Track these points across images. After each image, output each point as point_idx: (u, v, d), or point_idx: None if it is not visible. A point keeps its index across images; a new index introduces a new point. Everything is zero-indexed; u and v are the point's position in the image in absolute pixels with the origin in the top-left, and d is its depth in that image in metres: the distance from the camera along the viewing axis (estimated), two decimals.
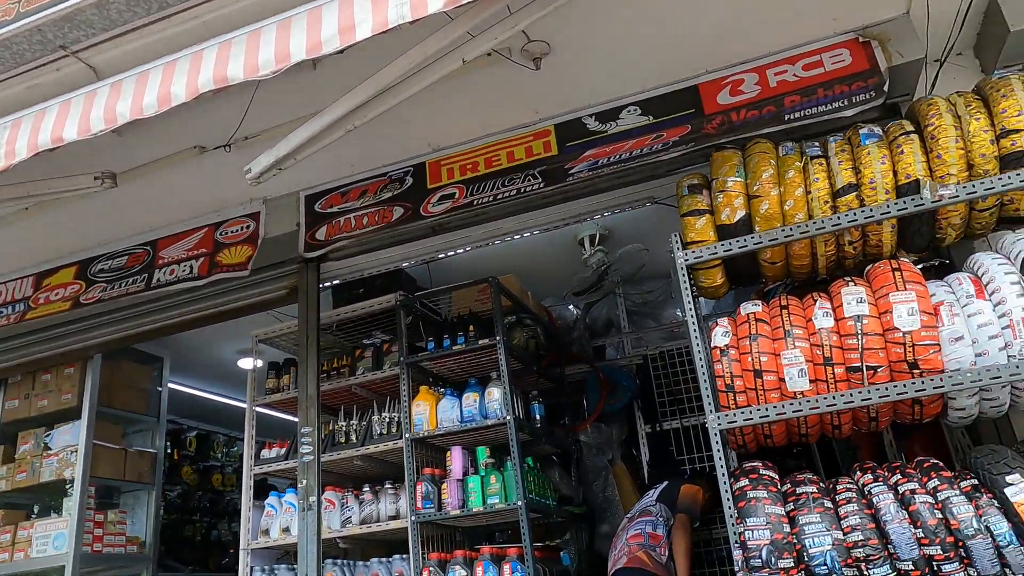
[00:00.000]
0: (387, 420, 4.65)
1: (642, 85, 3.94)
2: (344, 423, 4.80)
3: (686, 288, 3.40)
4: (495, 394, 4.34)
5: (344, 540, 4.68)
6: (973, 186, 3.04)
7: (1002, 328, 2.83)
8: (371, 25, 2.66)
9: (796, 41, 3.75)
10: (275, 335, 5.17)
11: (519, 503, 4.08)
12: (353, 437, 4.73)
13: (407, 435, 4.42)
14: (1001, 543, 2.63)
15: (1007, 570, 2.62)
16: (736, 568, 2.94)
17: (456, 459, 4.36)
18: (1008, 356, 2.81)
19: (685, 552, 3.81)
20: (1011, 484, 2.70)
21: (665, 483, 4.27)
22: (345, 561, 4.72)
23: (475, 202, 4.10)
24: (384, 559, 4.57)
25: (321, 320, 4.58)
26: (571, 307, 6.16)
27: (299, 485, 4.14)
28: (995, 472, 2.76)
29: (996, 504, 2.70)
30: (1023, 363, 2.77)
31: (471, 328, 4.53)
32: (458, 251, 4.65)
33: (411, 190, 4.28)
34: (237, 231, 4.63)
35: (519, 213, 4.38)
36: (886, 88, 3.52)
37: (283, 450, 4.94)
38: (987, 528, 2.66)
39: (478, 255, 5.23)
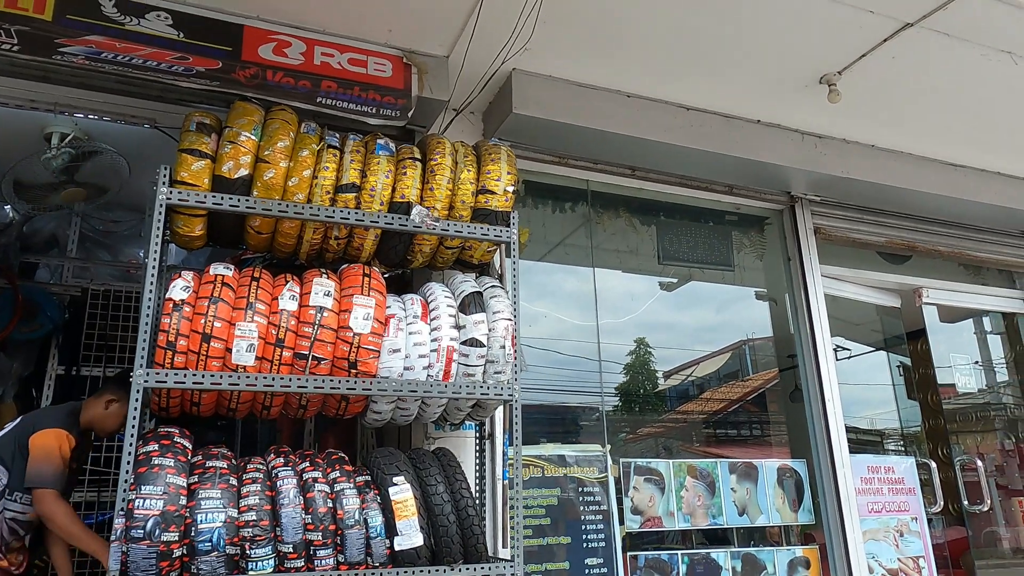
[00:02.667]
0: None
1: None
2: None
3: (158, 228, 3.04)
4: None
5: None
6: (448, 225, 3.44)
7: (431, 350, 3.22)
8: None
9: (352, 32, 3.78)
10: None
11: None
12: None
13: None
14: (372, 535, 2.93)
15: (369, 558, 2.93)
16: (112, 537, 2.66)
17: None
18: (428, 375, 3.21)
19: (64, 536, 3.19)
20: (395, 484, 3.05)
21: (18, 420, 3.43)
22: None
23: None
24: None
25: None
26: (7, 208, 5.04)
27: None
28: (386, 472, 3.09)
29: (379, 501, 3.01)
30: (436, 383, 3.20)
31: None
32: None
33: None
34: None
35: None
36: (410, 114, 3.78)
37: None
38: (365, 520, 2.94)
39: None
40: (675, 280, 5.45)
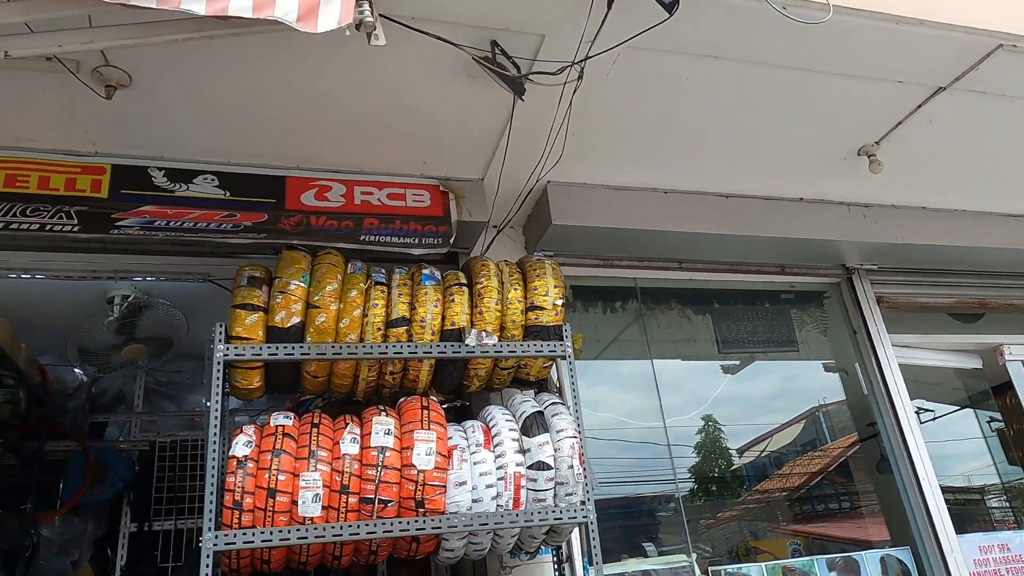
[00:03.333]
0: None
1: (228, 157, 3.65)
2: None
3: (217, 386, 3.07)
4: None
5: None
6: (501, 346, 3.41)
7: (498, 479, 3.12)
8: None
9: (388, 168, 3.90)
10: None
11: None
12: None
13: None
14: None
15: None
16: None
17: None
18: (497, 505, 3.10)
19: None
20: None
21: None
22: None
23: None
24: None
25: None
26: (77, 370, 5.20)
27: None
28: None
29: None
30: (507, 513, 3.08)
31: None
32: None
33: None
34: None
35: (40, 251, 3.62)
36: (453, 241, 3.83)
37: None
38: None
39: None
40: (737, 362, 5.29)
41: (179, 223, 3.47)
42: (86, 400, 5.03)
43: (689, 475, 4.93)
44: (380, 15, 2.60)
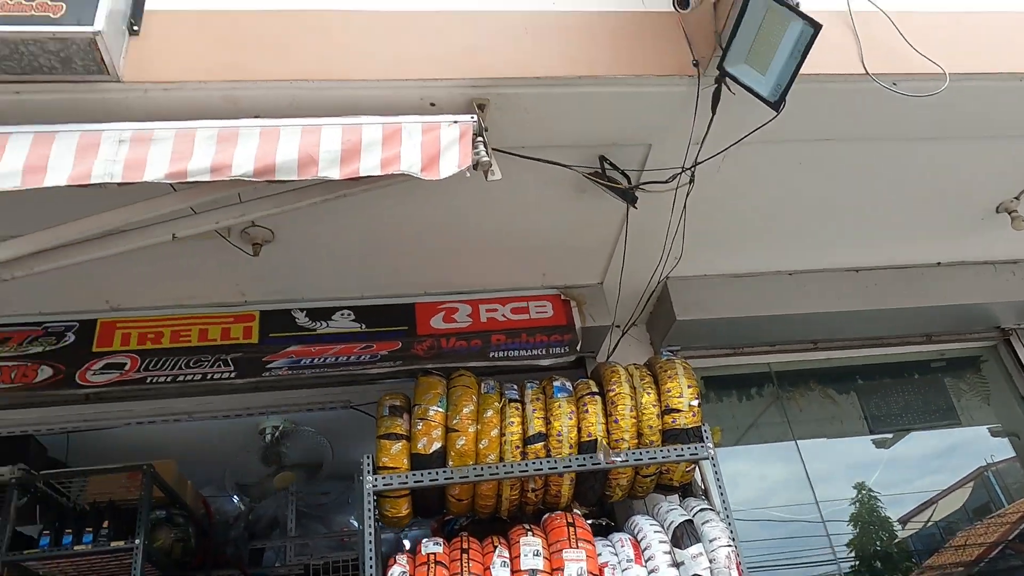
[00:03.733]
0: None
1: (360, 292, 3.88)
2: None
3: (370, 517, 3.17)
4: None
5: None
6: (640, 454, 3.35)
7: None
8: (68, 174, 2.28)
9: (509, 283, 4.02)
10: None
11: None
12: None
13: None
14: None
15: None
16: None
17: None
18: None
19: None
20: None
21: None
22: None
23: (149, 379, 3.55)
24: None
25: None
26: (235, 499, 5.50)
27: None
28: None
29: None
30: None
31: (105, 523, 3.75)
32: (114, 428, 3.97)
33: (69, 350, 3.59)
34: None
35: (200, 395, 3.92)
36: (579, 347, 3.86)
37: None
38: None
39: (136, 430, 4.53)
40: (890, 436, 4.93)
41: (322, 359, 3.69)
42: (245, 528, 5.28)
43: (847, 549, 4.55)
44: (492, 148, 2.75)
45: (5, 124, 2.43)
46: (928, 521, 4.93)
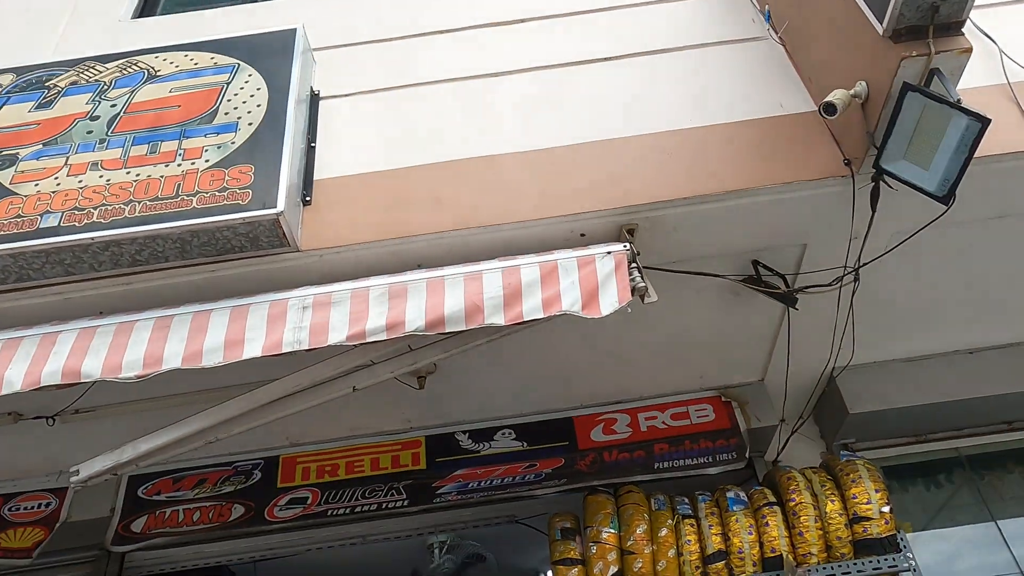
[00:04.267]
0: None
1: (520, 409, 3.94)
2: None
3: None
4: None
5: None
6: (833, 568, 3.14)
7: None
8: (261, 345, 2.50)
9: (666, 389, 3.95)
10: None
11: None
12: None
13: None
14: None
15: None
16: None
17: None
18: None
19: None
20: None
21: None
22: None
23: (329, 512, 3.74)
24: None
25: None
26: None
27: None
28: None
29: None
30: None
31: None
32: (295, 555, 4.16)
33: (257, 487, 3.85)
34: (32, 508, 3.89)
35: (372, 520, 4.05)
36: (747, 453, 3.71)
37: None
38: None
39: (314, 555, 4.73)
40: None
41: (488, 482, 3.75)
42: None
43: None
44: (644, 267, 2.76)
45: (203, 300, 2.72)
46: None
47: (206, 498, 3.83)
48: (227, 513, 3.77)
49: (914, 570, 3.13)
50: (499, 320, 2.50)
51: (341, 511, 3.73)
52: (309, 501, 3.77)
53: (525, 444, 3.86)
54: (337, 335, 2.49)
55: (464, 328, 2.51)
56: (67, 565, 3.98)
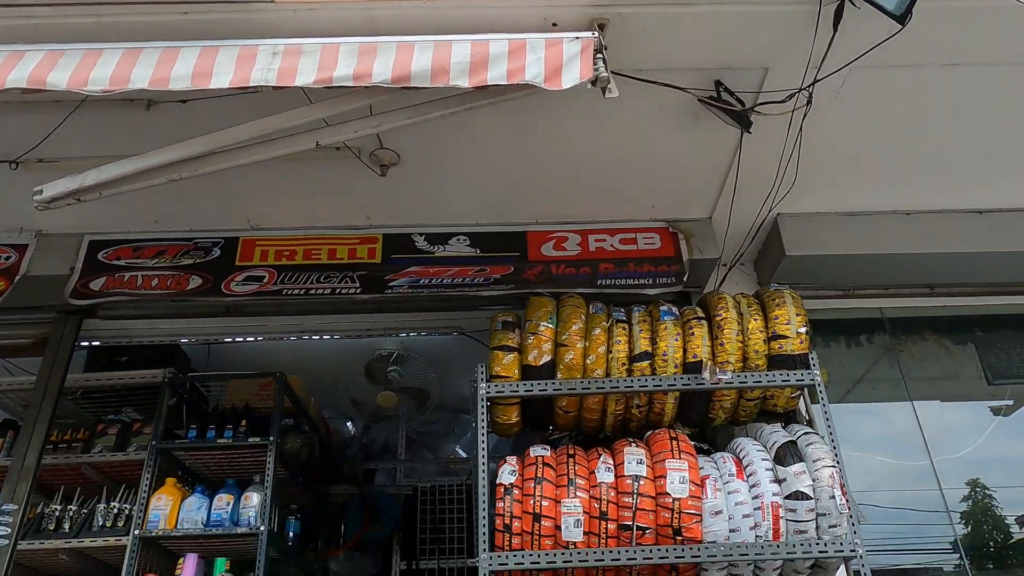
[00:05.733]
0: (115, 511, 4.00)
1: (476, 218, 4.08)
2: (59, 507, 4.06)
3: (482, 420, 3.38)
4: (253, 500, 3.93)
5: None
6: (745, 376, 3.41)
7: (754, 508, 3.09)
8: (230, 78, 2.55)
9: (619, 215, 4.11)
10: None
11: None
12: (66, 526, 4.00)
13: (136, 531, 3.82)
14: None
15: None
16: None
17: (189, 568, 3.82)
18: (756, 536, 3.05)
19: None
20: None
21: None
22: None
23: (285, 291, 3.89)
24: None
25: (67, 383, 3.95)
26: (349, 424, 5.89)
27: None
28: None
29: None
30: (767, 544, 3.02)
31: (243, 423, 4.15)
32: (249, 339, 4.35)
33: (216, 262, 3.98)
34: None
35: (326, 313, 4.24)
36: (685, 280, 3.93)
37: None
38: None
39: (266, 346, 4.94)
40: (1011, 402, 4.72)
41: (439, 280, 3.93)
42: (360, 449, 5.66)
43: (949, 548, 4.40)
44: (611, 71, 2.85)
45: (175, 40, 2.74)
46: None
47: (165, 267, 3.95)
48: (184, 283, 3.91)
49: (818, 385, 3.41)
50: (463, 82, 2.58)
51: (296, 292, 3.89)
52: (265, 280, 3.92)
53: (478, 251, 4.03)
54: (304, 78, 2.55)
55: (429, 85, 2.59)
56: (25, 324, 4.12)
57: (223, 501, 3.94)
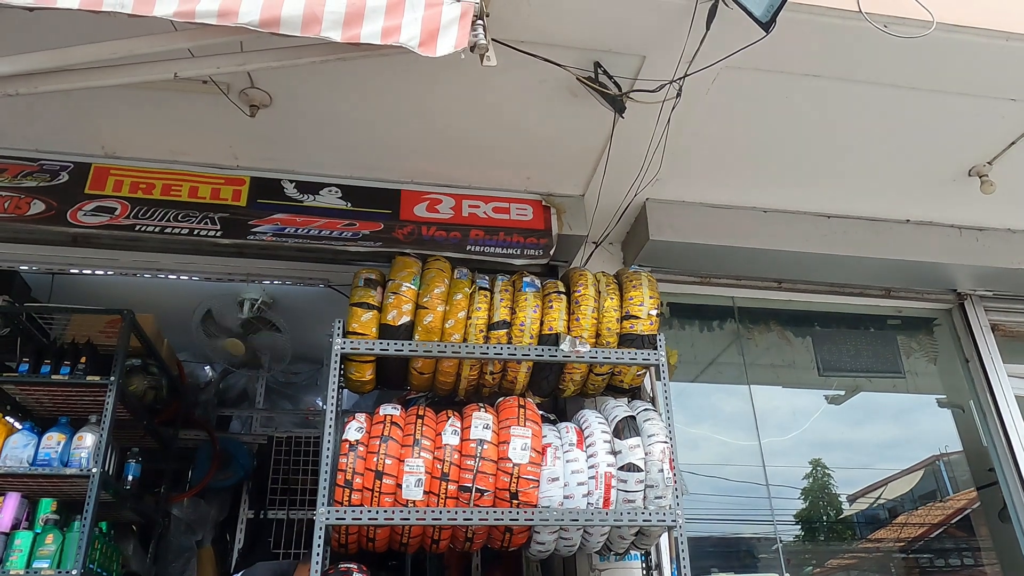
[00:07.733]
0: None
1: (350, 171, 4.00)
2: None
3: (334, 376, 3.37)
4: (87, 440, 3.75)
5: None
6: (596, 352, 3.56)
7: (589, 478, 3.25)
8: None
9: (494, 184, 4.14)
10: None
11: (74, 572, 3.48)
12: None
13: None
14: None
15: None
16: None
17: (8, 508, 3.61)
18: (588, 503, 3.22)
19: None
20: None
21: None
22: None
23: (138, 227, 3.68)
24: None
25: None
26: (207, 368, 5.71)
27: None
28: None
29: None
30: (597, 511, 3.20)
31: (82, 360, 3.93)
32: (97, 272, 4.12)
33: (63, 188, 3.71)
34: None
35: (186, 253, 4.05)
36: (552, 252, 4.02)
37: None
38: None
39: (122, 282, 4.69)
40: (841, 392, 5.17)
41: (306, 230, 3.83)
42: (215, 395, 5.51)
43: (793, 520, 4.82)
44: (492, 40, 2.84)
45: None
46: (875, 501, 5.15)
47: (4, 188, 3.65)
48: (24, 207, 3.63)
49: (661, 366, 3.61)
50: (336, 35, 2.50)
51: (150, 228, 3.69)
52: (117, 212, 3.69)
53: (349, 204, 3.95)
54: (165, 8, 2.40)
55: (299, 34, 2.49)
56: None
57: (53, 440, 3.73)
